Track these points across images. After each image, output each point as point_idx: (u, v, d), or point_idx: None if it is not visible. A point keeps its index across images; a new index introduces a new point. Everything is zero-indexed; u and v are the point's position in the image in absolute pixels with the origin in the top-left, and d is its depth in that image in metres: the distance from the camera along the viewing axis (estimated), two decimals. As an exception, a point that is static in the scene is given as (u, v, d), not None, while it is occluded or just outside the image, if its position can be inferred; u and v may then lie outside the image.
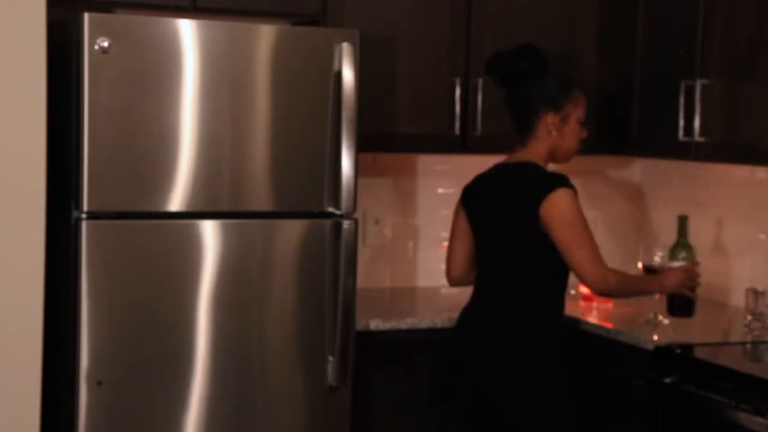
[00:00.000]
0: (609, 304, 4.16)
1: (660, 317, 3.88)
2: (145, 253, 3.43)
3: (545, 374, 3.52)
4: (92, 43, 3.31)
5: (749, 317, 3.81)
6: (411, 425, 3.89)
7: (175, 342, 3.48)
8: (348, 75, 3.55)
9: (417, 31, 4.10)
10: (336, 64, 3.57)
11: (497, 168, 3.66)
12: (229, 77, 3.49)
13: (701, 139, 3.91)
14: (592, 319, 3.94)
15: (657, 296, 3.91)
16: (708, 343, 3.72)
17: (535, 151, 3.61)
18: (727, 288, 4.05)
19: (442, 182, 4.51)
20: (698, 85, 3.90)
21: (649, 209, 4.73)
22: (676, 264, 3.85)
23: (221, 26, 3.50)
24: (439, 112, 4.13)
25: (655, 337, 3.64)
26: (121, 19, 3.45)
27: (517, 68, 3.58)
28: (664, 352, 3.51)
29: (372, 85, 3.85)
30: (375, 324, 3.83)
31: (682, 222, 3.94)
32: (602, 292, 3.62)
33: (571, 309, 3.95)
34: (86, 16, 3.30)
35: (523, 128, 3.61)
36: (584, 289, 4.17)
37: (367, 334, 3.80)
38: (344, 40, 3.56)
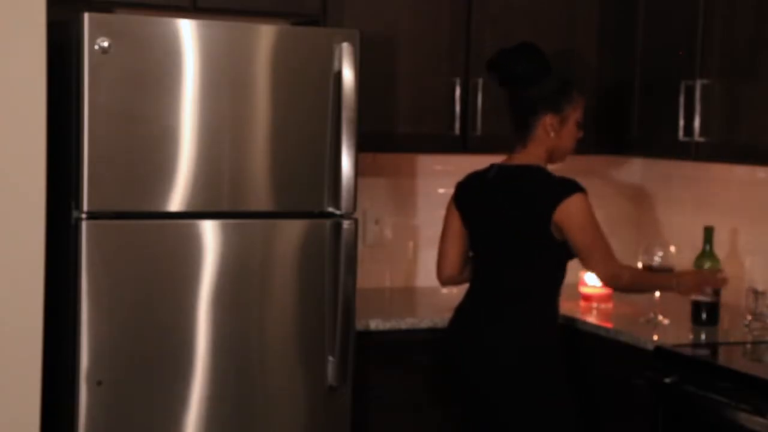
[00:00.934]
0: (609, 304, 4.16)
1: (660, 317, 3.88)
2: (145, 253, 3.43)
3: (544, 374, 3.52)
4: (92, 43, 3.31)
5: (749, 317, 3.81)
6: (411, 425, 3.89)
7: (175, 342, 3.47)
8: (348, 75, 3.55)
9: (417, 31, 4.10)
10: (336, 64, 3.57)
11: (499, 169, 3.65)
12: (229, 77, 3.49)
13: (701, 139, 3.91)
14: (592, 319, 3.94)
15: (657, 298, 3.91)
16: (708, 343, 3.72)
17: (535, 152, 3.61)
18: (727, 288, 4.04)
19: (442, 182, 4.51)
20: (698, 85, 3.90)
21: (649, 209, 4.72)
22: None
23: (221, 26, 3.50)
24: (439, 112, 4.13)
25: (655, 337, 3.64)
26: (121, 19, 3.45)
27: (517, 68, 3.58)
28: (664, 352, 3.51)
29: (372, 85, 3.85)
30: (375, 324, 3.83)
31: (708, 233, 3.92)
32: (617, 288, 3.71)
33: (571, 309, 3.95)
34: (86, 16, 3.30)
35: (522, 128, 3.61)
36: (585, 289, 4.17)
37: (367, 334, 3.80)
38: (344, 40, 3.56)
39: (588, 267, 3.62)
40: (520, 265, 3.56)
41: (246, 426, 3.57)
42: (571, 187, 3.52)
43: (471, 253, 3.74)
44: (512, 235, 3.57)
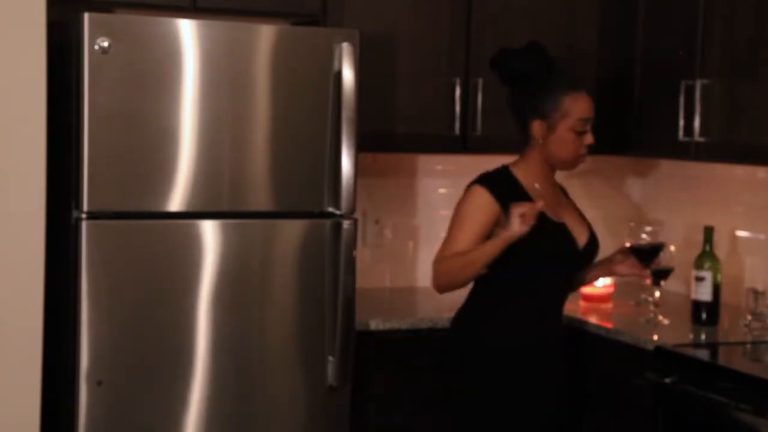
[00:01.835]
0: (609, 304, 4.16)
1: (660, 317, 3.88)
2: (145, 253, 3.43)
3: (543, 374, 3.50)
4: (92, 43, 3.31)
5: (749, 317, 3.81)
6: (411, 425, 3.89)
7: (175, 342, 3.47)
8: (348, 75, 3.55)
9: (417, 31, 4.10)
10: (336, 64, 3.57)
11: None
12: (229, 77, 3.49)
13: (701, 139, 3.91)
14: (593, 319, 3.94)
15: (657, 298, 3.90)
16: (708, 343, 3.72)
17: (530, 155, 3.54)
18: (727, 288, 4.04)
19: (442, 182, 4.51)
20: (698, 85, 3.90)
21: (649, 209, 4.72)
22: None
23: (221, 26, 3.50)
24: (439, 112, 4.13)
25: (655, 337, 3.64)
26: (121, 19, 3.45)
27: (514, 69, 3.53)
28: (664, 352, 3.51)
29: (372, 85, 3.85)
30: (375, 324, 3.83)
31: (708, 233, 3.92)
32: (436, 279, 3.46)
33: (571, 309, 3.95)
34: (86, 16, 3.30)
35: (521, 131, 3.58)
36: (585, 290, 4.16)
37: (367, 334, 3.80)
38: (344, 40, 3.56)
39: None
40: (501, 264, 3.43)
41: (246, 426, 3.57)
42: (475, 180, 3.48)
43: None
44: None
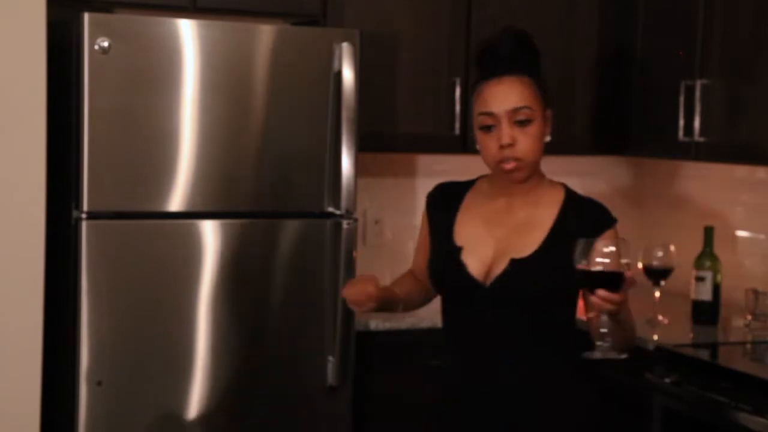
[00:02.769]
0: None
1: (660, 317, 3.88)
2: (145, 253, 3.43)
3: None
4: (92, 43, 3.31)
5: (749, 317, 3.81)
6: (411, 425, 3.89)
7: (175, 342, 3.48)
8: (348, 75, 3.55)
9: (417, 31, 4.10)
10: (336, 64, 3.57)
11: None
12: (229, 77, 3.49)
13: (701, 139, 3.91)
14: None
15: (657, 298, 3.91)
16: (708, 343, 3.72)
17: None
18: (727, 288, 4.04)
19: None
20: (698, 85, 3.90)
21: (649, 209, 4.72)
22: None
23: (221, 26, 3.50)
24: (439, 112, 4.13)
25: (655, 337, 3.64)
26: (121, 19, 3.45)
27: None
28: (664, 352, 3.51)
29: (372, 85, 3.85)
30: (375, 324, 3.83)
31: (708, 233, 3.92)
32: None
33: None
34: (86, 16, 3.31)
35: None
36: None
37: (367, 334, 3.80)
38: (344, 40, 3.57)
39: None
40: None
41: (246, 426, 3.57)
42: None
43: None
44: None
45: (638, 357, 3.58)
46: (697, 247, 3.95)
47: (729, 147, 3.83)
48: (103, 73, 3.33)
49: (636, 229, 4.75)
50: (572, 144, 4.29)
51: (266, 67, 3.54)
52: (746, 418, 3.14)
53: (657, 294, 3.90)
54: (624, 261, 2.49)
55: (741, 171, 4.25)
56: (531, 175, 2.73)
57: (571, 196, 2.78)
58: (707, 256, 3.90)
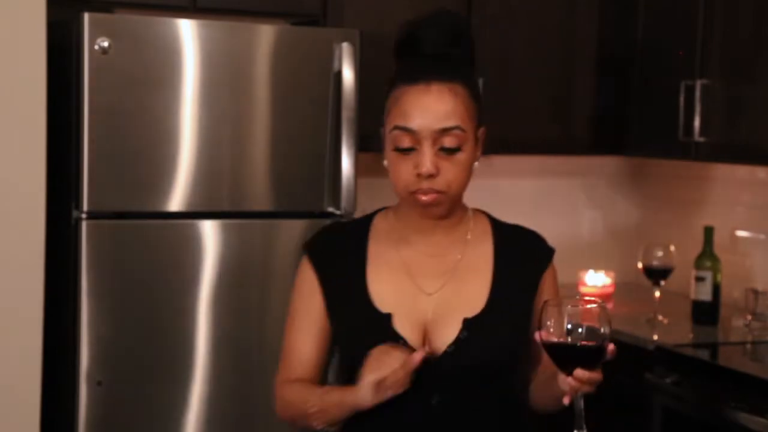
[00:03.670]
0: (609, 304, 4.16)
1: (660, 317, 3.88)
2: (145, 253, 3.43)
3: None
4: (92, 43, 3.31)
5: (749, 317, 3.81)
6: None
7: (175, 342, 3.47)
8: (348, 75, 3.55)
9: (417, 31, 4.09)
10: (336, 64, 3.57)
11: None
12: (229, 77, 3.49)
13: (701, 139, 3.91)
14: (592, 319, 3.93)
15: (657, 298, 3.91)
16: (708, 343, 3.72)
17: None
18: (727, 288, 4.04)
19: (442, 182, 4.51)
20: (698, 85, 3.90)
21: (649, 209, 4.72)
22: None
23: (221, 26, 3.50)
24: (439, 112, 4.12)
25: (655, 337, 3.65)
26: (121, 19, 3.45)
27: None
28: (664, 352, 3.51)
29: (372, 85, 3.84)
30: (375, 324, 3.82)
31: (708, 233, 3.92)
32: (279, 415, 2.35)
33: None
34: (86, 16, 3.30)
35: None
36: (584, 289, 4.17)
37: (367, 334, 3.79)
38: (344, 40, 3.56)
39: None
40: None
41: (246, 426, 3.57)
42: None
43: None
44: None
45: (638, 357, 3.60)
46: (697, 247, 3.95)
47: (729, 147, 3.83)
48: (103, 73, 3.33)
49: (636, 229, 4.75)
50: (572, 144, 4.29)
51: (266, 67, 3.54)
52: (746, 418, 3.14)
53: (657, 294, 3.90)
54: (603, 330, 1.93)
55: (741, 171, 4.25)
56: (452, 209, 2.15)
57: (498, 228, 2.24)
58: (707, 256, 3.90)
